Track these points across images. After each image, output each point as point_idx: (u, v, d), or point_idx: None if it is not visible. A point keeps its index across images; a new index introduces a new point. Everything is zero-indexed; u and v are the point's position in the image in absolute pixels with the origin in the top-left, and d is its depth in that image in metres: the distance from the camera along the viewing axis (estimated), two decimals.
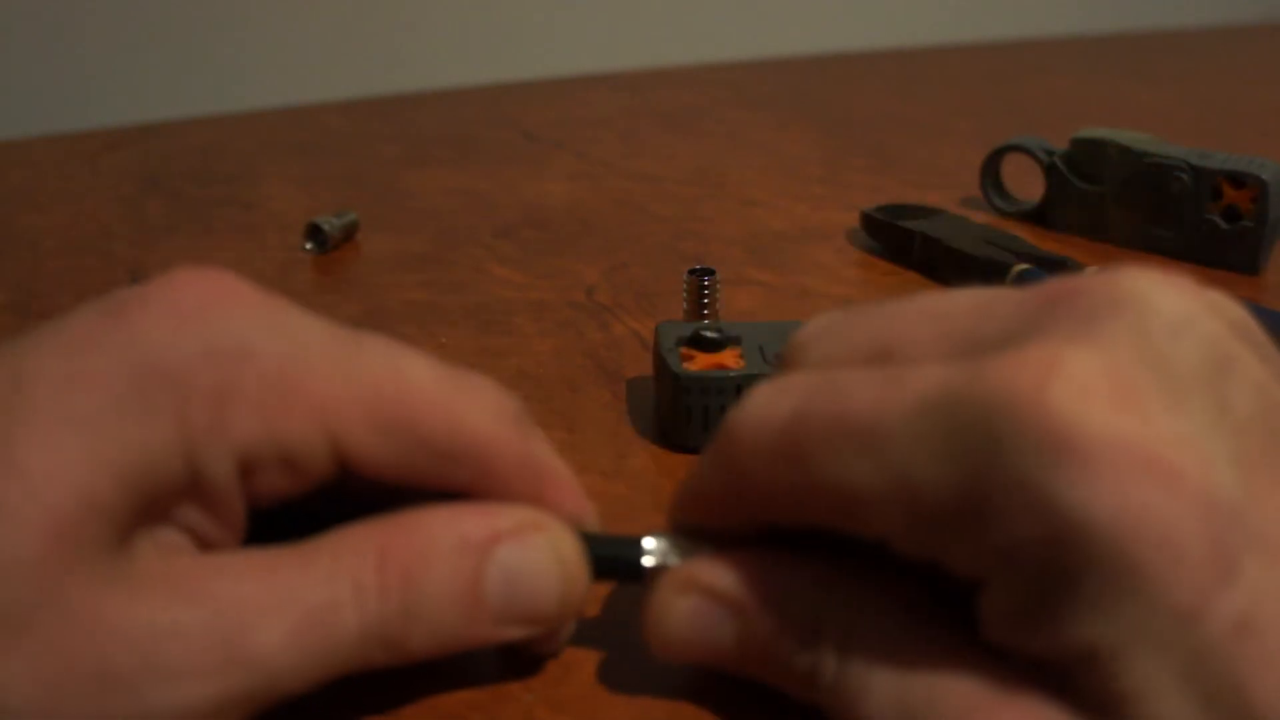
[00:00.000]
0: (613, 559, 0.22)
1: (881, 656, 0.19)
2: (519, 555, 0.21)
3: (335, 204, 0.50)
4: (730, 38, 0.94)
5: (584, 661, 0.23)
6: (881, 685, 0.19)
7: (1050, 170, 0.49)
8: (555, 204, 0.53)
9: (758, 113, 0.71)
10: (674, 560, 0.22)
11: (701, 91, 0.76)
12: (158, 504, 0.19)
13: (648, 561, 0.22)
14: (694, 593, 0.21)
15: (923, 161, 0.60)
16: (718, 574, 0.21)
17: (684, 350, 0.32)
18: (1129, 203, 0.46)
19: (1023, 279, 0.40)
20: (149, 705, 0.18)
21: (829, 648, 0.20)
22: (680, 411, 0.31)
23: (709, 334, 0.32)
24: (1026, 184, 0.51)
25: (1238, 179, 0.43)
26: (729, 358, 0.31)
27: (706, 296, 0.35)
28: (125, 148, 0.62)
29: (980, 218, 0.49)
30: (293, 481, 0.20)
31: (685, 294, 0.35)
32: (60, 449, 0.18)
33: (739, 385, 0.30)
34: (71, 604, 0.18)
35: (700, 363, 0.31)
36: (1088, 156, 0.47)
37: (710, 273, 0.35)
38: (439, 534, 0.21)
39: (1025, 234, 0.47)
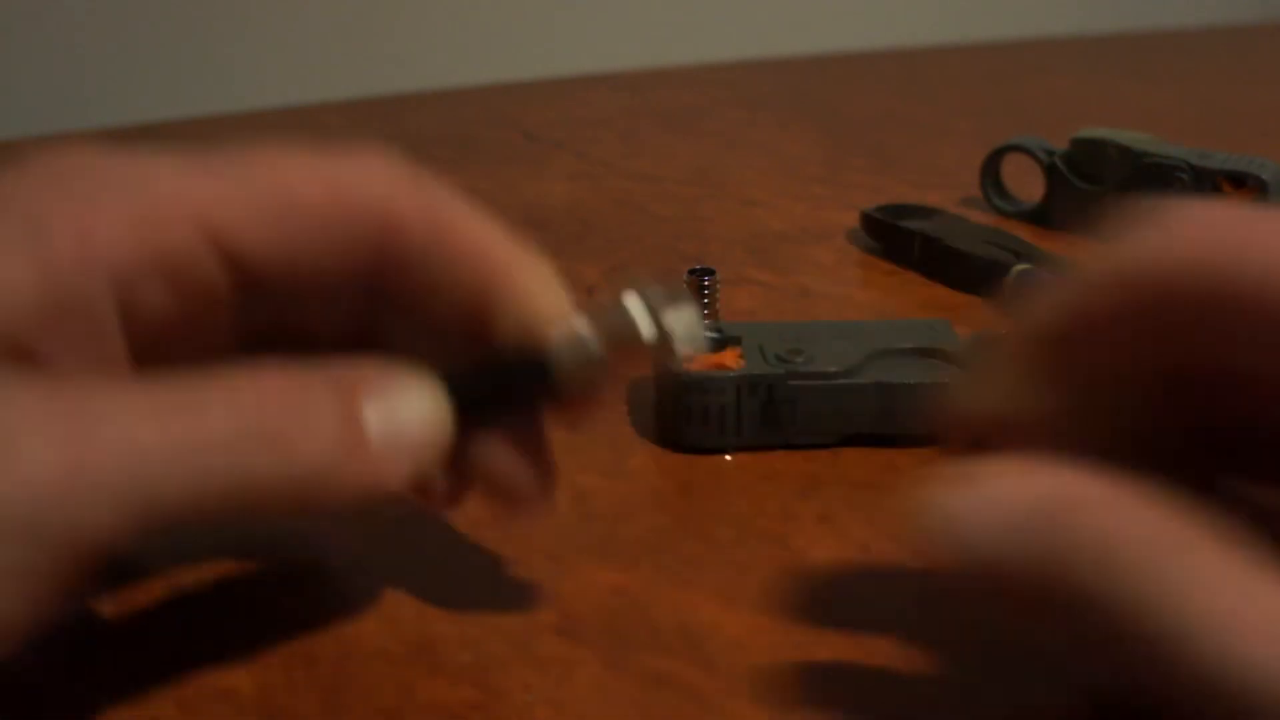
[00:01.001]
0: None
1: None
2: (392, 395, 0.20)
3: None
4: (730, 38, 0.94)
5: (584, 661, 0.23)
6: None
7: (1050, 170, 0.49)
8: (555, 204, 0.53)
9: (758, 113, 0.71)
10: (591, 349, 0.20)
11: (701, 91, 0.76)
12: (14, 348, 0.18)
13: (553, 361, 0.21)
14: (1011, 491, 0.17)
15: (923, 161, 0.60)
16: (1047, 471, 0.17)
17: None
18: (1129, 203, 0.46)
19: (1023, 279, 0.40)
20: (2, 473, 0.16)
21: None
22: (680, 411, 0.31)
23: (709, 334, 0.32)
24: (1026, 184, 0.50)
25: (1238, 179, 0.43)
26: (729, 358, 0.31)
27: (706, 296, 0.35)
28: (125, 148, 0.62)
29: (980, 218, 0.49)
30: (184, 296, 0.19)
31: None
32: None
33: (739, 385, 0.30)
34: None
35: (700, 363, 0.31)
36: (1088, 156, 0.47)
37: (710, 273, 0.35)
38: (310, 371, 0.19)
39: (1025, 234, 0.47)
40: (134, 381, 0.18)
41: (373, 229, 0.20)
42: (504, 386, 0.22)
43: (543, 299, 0.22)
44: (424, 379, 0.20)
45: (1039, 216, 0.50)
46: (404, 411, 0.20)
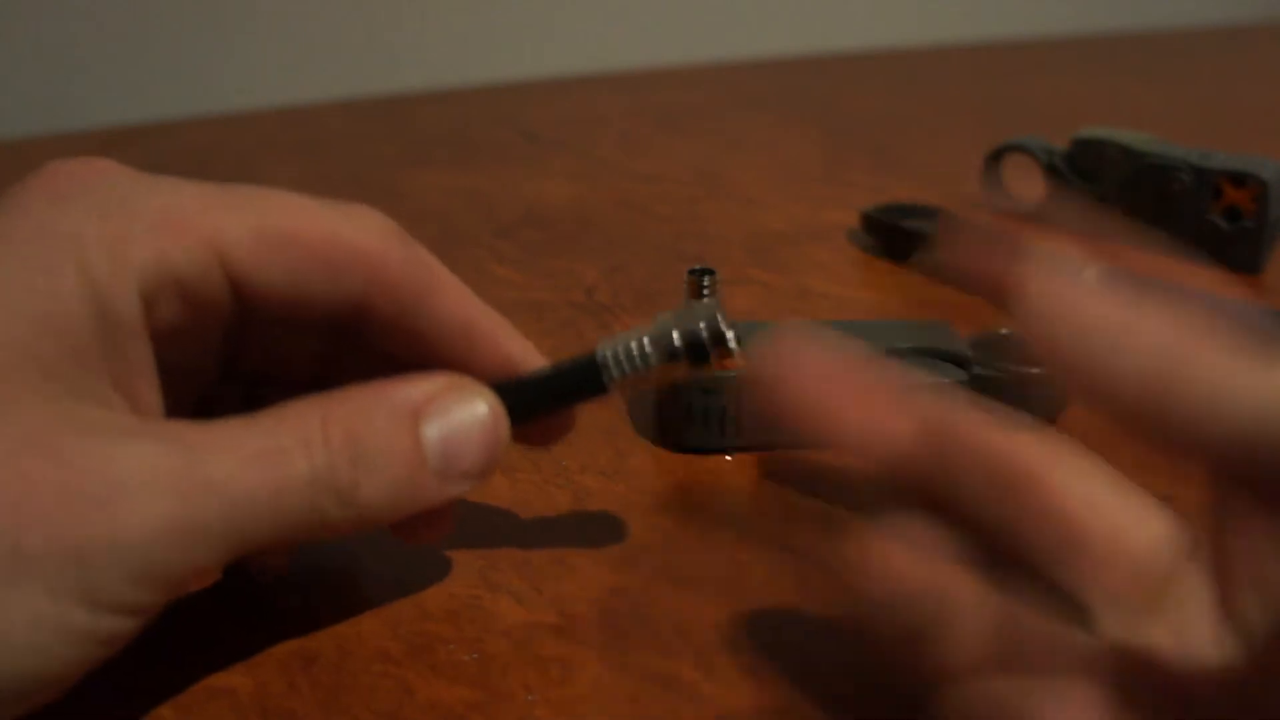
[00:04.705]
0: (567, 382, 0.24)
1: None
2: (452, 414, 0.22)
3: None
4: (730, 38, 0.94)
5: (584, 662, 0.23)
6: None
7: (1050, 170, 0.49)
8: (555, 204, 0.53)
9: (758, 113, 0.71)
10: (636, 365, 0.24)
11: (701, 91, 0.76)
12: (79, 353, 0.20)
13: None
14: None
15: (923, 161, 0.60)
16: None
17: None
18: (1129, 203, 0.46)
19: None
20: (119, 521, 0.18)
21: None
22: (680, 411, 0.31)
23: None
24: (1026, 184, 0.50)
25: (1238, 179, 0.43)
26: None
27: (706, 296, 0.34)
28: (125, 148, 0.62)
29: (980, 218, 0.49)
30: (192, 310, 0.21)
31: (685, 294, 0.35)
32: None
33: (739, 386, 0.30)
34: (24, 435, 0.18)
35: None
36: (1088, 156, 0.47)
37: (710, 273, 0.35)
38: (374, 399, 0.21)
39: (1025, 234, 0.47)
40: (220, 425, 0.20)
41: (363, 273, 0.22)
42: (556, 393, 0.24)
43: (519, 347, 0.25)
44: (484, 391, 0.23)
45: (1039, 216, 0.50)
46: (465, 431, 0.22)
